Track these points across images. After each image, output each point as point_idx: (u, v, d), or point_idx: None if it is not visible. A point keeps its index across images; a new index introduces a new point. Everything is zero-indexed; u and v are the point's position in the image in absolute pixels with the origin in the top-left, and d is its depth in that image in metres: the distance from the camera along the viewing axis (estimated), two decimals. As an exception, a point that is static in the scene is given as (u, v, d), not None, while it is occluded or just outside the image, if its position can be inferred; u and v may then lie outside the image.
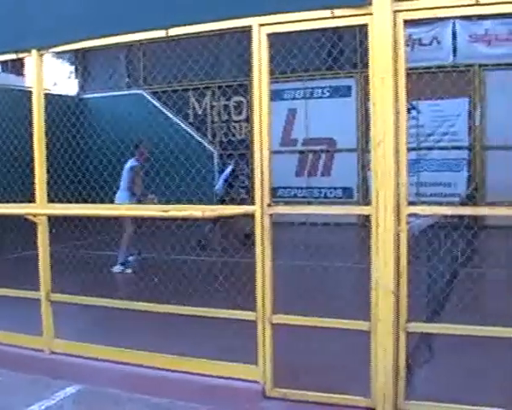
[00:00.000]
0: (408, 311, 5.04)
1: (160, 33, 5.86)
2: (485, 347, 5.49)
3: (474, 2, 4.80)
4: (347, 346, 6.01)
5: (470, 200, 12.10)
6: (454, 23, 16.19)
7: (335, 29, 5.43)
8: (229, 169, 14.26)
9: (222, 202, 13.21)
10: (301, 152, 18.46)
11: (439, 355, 5.88)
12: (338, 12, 5.12)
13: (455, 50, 16.37)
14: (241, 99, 19.39)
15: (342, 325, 5.38)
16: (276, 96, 17.25)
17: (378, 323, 5.01)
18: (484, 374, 5.66)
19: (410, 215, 5.00)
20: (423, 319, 5.99)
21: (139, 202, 11.35)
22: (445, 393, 5.24)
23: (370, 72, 4.98)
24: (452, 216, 7.43)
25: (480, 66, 16.07)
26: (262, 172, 5.34)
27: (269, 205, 5.34)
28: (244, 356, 5.65)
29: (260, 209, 5.36)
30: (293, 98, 18.39)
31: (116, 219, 10.89)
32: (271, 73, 5.41)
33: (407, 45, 15.36)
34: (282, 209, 5.53)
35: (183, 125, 18.75)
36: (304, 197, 17.99)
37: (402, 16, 4.94)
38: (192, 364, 5.89)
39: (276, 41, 5.52)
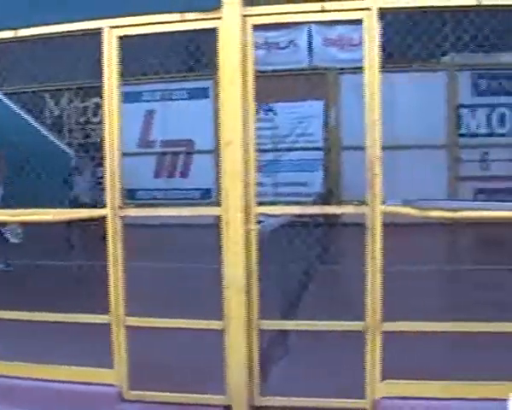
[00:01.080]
0: (261, 309, 5.16)
1: (9, 34, 5.70)
2: (339, 341, 5.64)
3: (319, 9, 5.00)
4: (204, 346, 6.03)
5: (325, 199, 12.47)
6: (309, 27, 16.56)
7: (194, 31, 5.48)
8: (88, 171, 14.01)
9: (83, 205, 12.95)
10: (160, 154, 18.40)
11: (295, 351, 6.05)
12: (189, 16, 5.17)
13: (310, 54, 16.75)
14: (100, 101, 19.01)
15: (196, 325, 5.43)
16: (134, 97, 17.09)
17: (231, 321, 5.09)
18: (337, 367, 5.83)
19: (260, 215, 5.13)
20: (278, 316, 6.14)
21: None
22: (299, 387, 5.38)
23: (220, 74, 5.07)
24: (308, 215, 7.65)
25: (335, 69, 16.54)
26: (112, 175, 5.30)
27: (120, 207, 5.31)
28: (101, 360, 5.59)
29: (111, 212, 5.32)
30: (152, 100, 18.29)
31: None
32: (132, 74, 5.40)
33: (265, 49, 15.81)
34: (133, 212, 5.52)
35: (39, 128, 18.22)
36: (163, 199, 17.95)
37: (251, 21, 5.07)
38: (47, 370, 5.75)
39: (134, 42, 5.52)
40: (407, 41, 9.08)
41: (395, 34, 12.60)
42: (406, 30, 10.74)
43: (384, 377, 5.11)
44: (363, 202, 5.03)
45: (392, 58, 13.00)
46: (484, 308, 6.22)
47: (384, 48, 4.99)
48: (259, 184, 5.18)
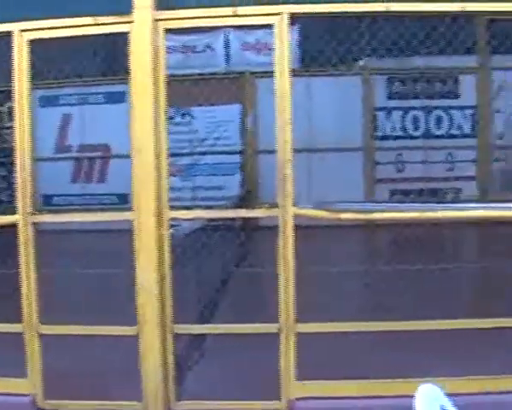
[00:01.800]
0: (176, 313, 5.16)
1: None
2: (256, 344, 5.69)
3: (231, 13, 5.04)
4: (122, 351, 6.01)
5: (243, 202, 12.52)
6: (226, 32, 16.61)
7: (112, 34, 5.44)
8: None
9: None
10: (76, 159, 18.11)
11: (211, 355, 6.06)
12: (101, 19, 5.14)
13: (227, 58, 16.80)
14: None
15: (110, 331, 5.40)
16: (50, 101, 16.83)
17: (144, 326, 5.07)
18: (253, 369, 5.87)
19: (174, 219, 5.13)
20: (195, 320, 6.16)
21: None
22: (215, 391, 5.43)
23: (131, 78, 5.05)
24: (226, 218, 7.68)
25: (252, 73, 16.61)
26: (23, 181, 5.21)
27: (32, 214, 5.23)
28: (15, 370, 5.48)
29: (23, 218, 5.22)
30: (69, 104, 17.98)
31: None
32: (49, 77, 5.32)
33: (182, 53, 15.78)
34: (45, 218, 5.46)
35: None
36: (80, 205, 17.66)
37: (163, 25, 5.07)
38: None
39: (51, 45, 5.45)
40: (323, 46, 9.21)
41: (311, 39, 12.78)
42: (322, 35, 10.88)
43: (302, 378, 5.18)
44: (276, 205, 5.09)
45: (308, 62, 13.17)
46: (397, 308, 6.36)
47: (300, 52, 5.08)
48: (177, 188, 5.20)
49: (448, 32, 7.08)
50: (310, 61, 14.42)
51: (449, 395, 2.96)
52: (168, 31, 5.10)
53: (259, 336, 5.37)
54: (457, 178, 16.93)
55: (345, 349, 5.98)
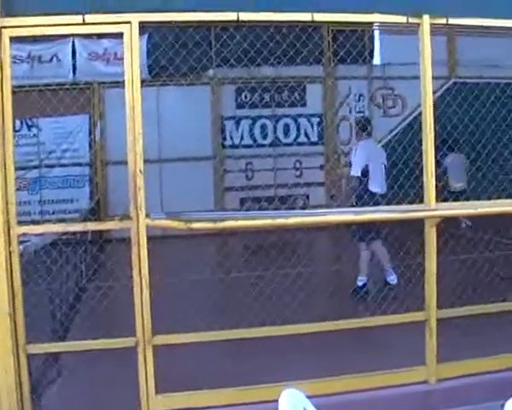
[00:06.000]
0: (30, 331, 4.99)
1: None
2: (116, 358, 5.57)
3: (81, 21, 4.92)
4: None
5: (93, 215, 12.28)
6: (73, 41, 16.25)
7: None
8: None
9: None
10: None
11: (69, 372, 5.90)
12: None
13: (75, 68, 16.43)
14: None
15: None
16: None
17: (-3, 347, 4.87)
18: (113, 384, 5.74)
19: (23, 235, 4.95)
20: (49, 338, 5.97)
21: None
22: (75, 407, 5.33)
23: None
24: (78, 232, 7.49)
25: (100, 83, 16.36)
26: None
27: None
28: None
29: None
30: None
31: None
32: None
33: (28, 62, 15.27)
34: None
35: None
36: None
37: (8, 33, 4.86)
38: None
39: None
40: (172, 55, 9.19)
41: (159, 48, 12.73)
42: (171, 44, 10.85)
43: (164, 391, 5.13)
44: (128, 216, 5.01)
45: (157, 72, 13.11)
46: (252, 314, 6.42)
47: (150, 62, 5.03)
48: (25, 202, 5.01)
49: (296, 42, 7.24)
50: (159, 70, 14.39)
51: (310, 397, 3.02)
52: (14, 39, 4.89)
53: (119, 350, 5.26)
54: (306, 185, 17.40)
55: (207, 358, 5.99)
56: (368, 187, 8.81)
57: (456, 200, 13.84)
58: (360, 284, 8.98)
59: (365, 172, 8.85)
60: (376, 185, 8.88)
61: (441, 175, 13.26)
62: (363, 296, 8.50)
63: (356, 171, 8.92)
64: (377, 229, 8.73)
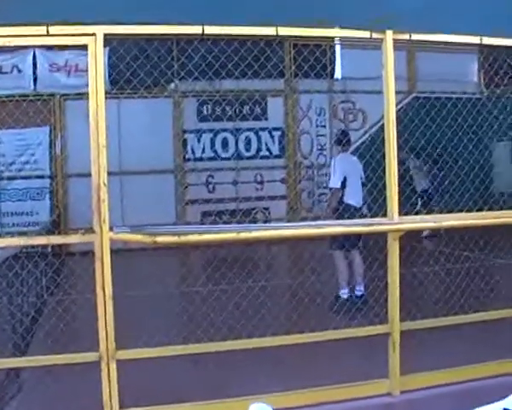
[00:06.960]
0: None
1: None
2: (78, 374, 5.51)
3: (44, 33, 4.87)
4: None
5: (53, 228, 12.14)
6: (34, 52, 16.10)
7: None
8: None
9: None
10: None
11: (30, 388, 5.81)
12: None
13: (35, 79, 16.27)
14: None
15: None
16: None
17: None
18: (75, 400, 5.66)
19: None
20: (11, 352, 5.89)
21: None
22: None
23: None
24: (37, 245, 7.40)
25: (61, 95, 16.23)
26: None
27: None
28: None
29: None
30: None
31: None
32: None
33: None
34: None
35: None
36: None
37: (-33, 43, 4.81)
38: None
39: None
40: (134, 68, 9.16)
41: (121, 61, 12.67)
42: (133, 57, 10.82)
43: (130, 405, 5.08)
44: (91, 230, 4.96)
45: (120, 85, 13.05)
46: (218, 328, 6.42)
47: (112, 74, 5.00)
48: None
49: (259, 55, 7.28)
50: (121, 83, 14.32)
51: (277, 410, 3.02)
52: (-26, 50, 4.86)
53: (82, 365, 5.19)
54: (268, 198, 17.46)
55: (171, 372, 5.95)
56: (343, 199, 8.88)
57: (421, 198, 15.67)
58: (345, 296, 8.98)
59: (343, 185, 8.92)
60: (352, 198, 8.94)
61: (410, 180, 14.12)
62: (350, 307, 8.37)
63: (335, 183, 8.99)
64: (358, 238, 8.75)
